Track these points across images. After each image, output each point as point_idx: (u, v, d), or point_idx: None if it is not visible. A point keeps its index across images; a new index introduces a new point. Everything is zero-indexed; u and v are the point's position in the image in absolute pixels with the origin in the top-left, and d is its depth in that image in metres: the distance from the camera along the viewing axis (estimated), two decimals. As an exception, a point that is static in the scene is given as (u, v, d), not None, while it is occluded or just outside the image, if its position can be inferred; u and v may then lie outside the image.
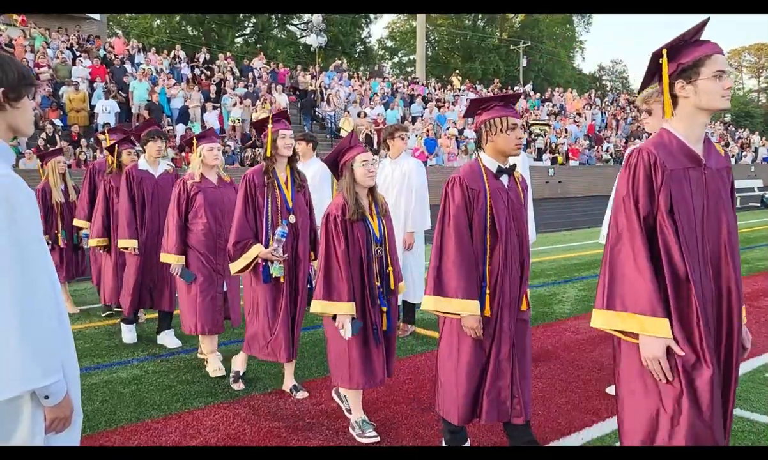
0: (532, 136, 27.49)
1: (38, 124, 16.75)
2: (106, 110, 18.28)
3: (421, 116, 25.99)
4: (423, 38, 42.08)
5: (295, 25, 48.45)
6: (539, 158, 26.80)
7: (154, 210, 5.89)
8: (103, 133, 7.70)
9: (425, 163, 21.97)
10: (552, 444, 3.80)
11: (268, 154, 4.54)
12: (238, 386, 4.76)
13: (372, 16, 50.73)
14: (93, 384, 4.86)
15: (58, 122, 17.32)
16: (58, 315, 1.97)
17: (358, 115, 23.58)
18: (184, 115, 19.78)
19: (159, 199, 5.90)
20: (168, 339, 5.92)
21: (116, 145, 6.46)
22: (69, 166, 8.55)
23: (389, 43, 56.97)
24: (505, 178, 3.38)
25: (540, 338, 5.97)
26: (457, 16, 53.75)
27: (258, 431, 4.01)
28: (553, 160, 27.15)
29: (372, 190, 3.96)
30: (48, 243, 6.92)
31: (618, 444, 2.70)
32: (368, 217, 3.87)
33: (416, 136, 23.42)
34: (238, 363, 4.87)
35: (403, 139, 6.08)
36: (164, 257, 5.15)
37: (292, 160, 4.67)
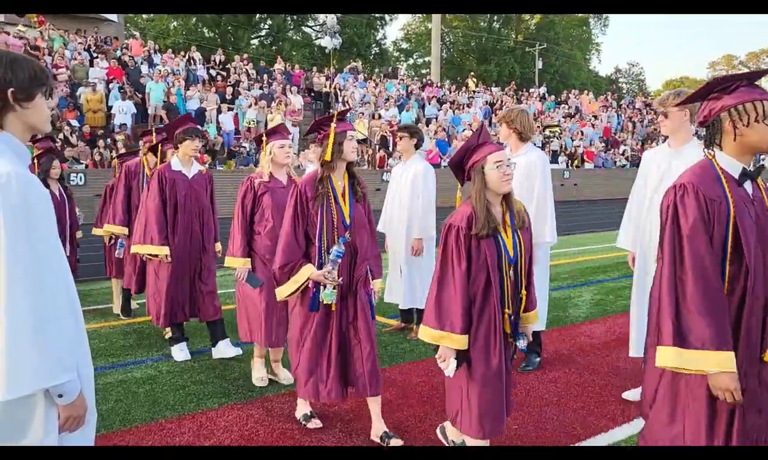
0: (546, 139, 27.35)
1: (55, 124, 16.92)
2: (123, 111, 18.43)
3: (436, 118, 25.95)
4: (438, 40, 42.03)
5: (311, 27, 48.58)
6: (554, 161, 26.65)
7: (188, 214, 5.46)
8: (140, 135, 7.43)
9: (438, 165, 21.96)
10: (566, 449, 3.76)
11: (328, 158, 3.82)
12: (314, 424, 4.10)
13: (387, 17, 50.77)
14: (108, 383, 4.88)
15: (75, 123, 17.47)
16: (72, 314, 1.98)
17: (373, 117, 23.59)
18: (200, 117, 19.89)
19: (192, 202, 5.48)
20: (228, 350, 5.52)
21: (160, 145, 6.19)
22: (86, 166, 8.60)
23: (404, 45, 56.96)
24: (748, 185, 2.52)
25: (555, 342, 5.92)
26: (472, 18, 53.67)
27: (271, 433, 4.00)
28: (569, 163, 27.00)
29: (507, 198, 3.22)
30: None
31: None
32: (501, 231, 3.15)
33: (430, 138, 23.39)
34: (301, 406, 4.21)
35: (401, 139, 6.08)
36: (229, 261, 4.80)
37: (351, 166, 4.00)
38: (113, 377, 5.02)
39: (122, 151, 9.77)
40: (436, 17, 41.12)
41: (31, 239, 1.84)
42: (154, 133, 6.95)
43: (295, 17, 46.85)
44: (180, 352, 5.52)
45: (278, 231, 4.35)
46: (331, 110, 24.03)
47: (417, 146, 6.10)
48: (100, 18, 25.90)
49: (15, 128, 1.98)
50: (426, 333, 3.15)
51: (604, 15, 58.02)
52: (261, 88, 23.09)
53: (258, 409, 4.38)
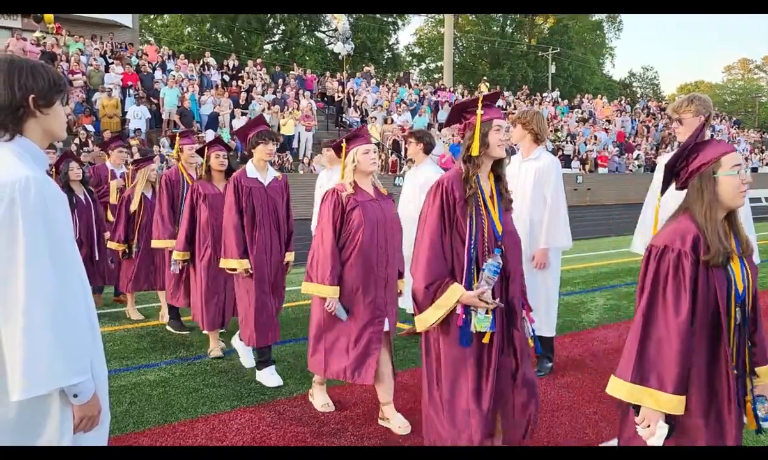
0: (558, 144, 27.27)
1: (71, 129, 17.08)
2: (138, 116, 18.58)
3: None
4: (451, 44, 42.03)
5: (323, 32, 48.77)
6: (567, 165, 26.56)
7: (265, 224, 5.01)
8: (172, 138, 7.21)
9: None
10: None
11: (475, 152, 3.07)
12: None
13: (399, 22, 50.86)
14: (122, 386, 4.92)
15: (90, 128, 17.64)
16: (87, 315, 2.01)
17: (385, 121, 23.63)
18: (214, 122, 20.02)
19: (269, 211, 5.03)
20: (271, 379, 5.00)
21: (206, 148, 5.78)
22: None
23: (417, 50, 57.03)
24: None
25: (567, 347, 5.89)
26: (485, 22, 53.65)
27: (283, 436, 4.01)
28: (582, 168, 26.90)
29: (733, 215, 2.48)
30: (126, 254, 6.90)
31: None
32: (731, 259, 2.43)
33: (443, 142, 23.37)
34: None
35: (410, 144, 6.10)
36: (316, 289, 4.06)
37: (499, 165, 3.23)
38: (127, 380, 5.06)
39: (136, 156, 9.77)
40: (449, 22, 41.12)
41: (50, 240, 1.88)
42: (196, 138, 6.77)
43: (308, 22, 47.07)
44: (271, 377, 5.00)
45: (371, 253, 4.01)
46: (344, 115, 24.11)
47: (426, 151, 6.09)
48: (116, 24, 26.13)
49: (34, 134, 2.02)
50: (622, 390, 2.38)
51: (618, 19, 57.80)
52: (274, 92, 23.20)
53: (270, 412, 4.40)
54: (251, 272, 4.94)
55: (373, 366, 4.01)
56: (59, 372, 1.85)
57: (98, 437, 2.10)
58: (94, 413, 2.02)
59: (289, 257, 5.28)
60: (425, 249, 3.06)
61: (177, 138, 6.46)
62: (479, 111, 3.07)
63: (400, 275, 4.28)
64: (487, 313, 2.98)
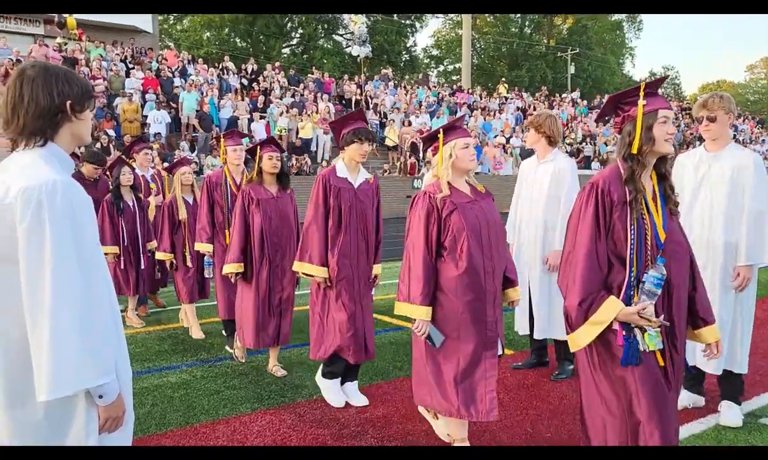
0: (576, 147, 27.09)
1: (93, 134, 17.31)
2: (158, 121, 18.78)
3: (466, 125, 25.89)
4: (469, 46, 41.95)
5: (341, 35, 48.93)
6: (587, 166, 26.37)
7: (352, 230, 4.48)
8: (217, 138, 7.22)
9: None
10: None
11: (635, 150, 2.74)
12: None
13: (417, 24, 50.86)
14: (144, 388, 4.96)
15: (111, 132, 17.85)
16: (112, 317, 2.03)
17: (403, 123, 23.64)
18: (232, 126, 20.16)
19: (357, 215, 4.51)
20: (359, 398, 4.60)
21: (258, 148, 5.26)
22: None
23: (435, 52, 56.98)
24: None
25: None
26: (503, 24, 53.46)
27: (303, 438, 4.02)
28: (601, 168, 26.68)
29: None
30: (173, 265, 6.59)
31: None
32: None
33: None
34: None
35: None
36: (406, 309, 3.48)
37: (663, 162, 2.83)
38: (149, 382, 5.10)
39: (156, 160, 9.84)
40: (467, 23, 41.05)
41: (76, 243, 1.91)
42: (222, 139, 6.14)
43: (325, 25, 47.26)
44: (336, 395, 4.58)
45: (477, 264, 3.42)
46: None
47: None
48: (136, 29, 26.44)
49: (64, 139, 2.07)
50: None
51: (638, 18, 57.30)
52: (293, 96, 23.32)
53: (290, 414, 4.41)
54: (329, 283, 4.48)
55: (493, 397, 3.48)
56: (85, 373, 1.88)
57: (123, 437, 2.13)
58: (119, 413, 2.04)
59: (377, 269, 4.68)
60: (580, 259, 2.70)
61: (221, 139, 6.13)
62: (641, 101, 2.71)
63: (512, 284, 3.75)
64: (656, 330, 2.66)
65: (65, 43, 20.89)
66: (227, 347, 5.94)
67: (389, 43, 47.43)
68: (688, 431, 4.02)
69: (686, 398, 4.36)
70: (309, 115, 21.92)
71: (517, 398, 4.63)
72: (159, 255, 6.70)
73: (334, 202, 4.46)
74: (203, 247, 5.91)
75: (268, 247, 5.12)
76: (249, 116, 20.71)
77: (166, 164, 12.88)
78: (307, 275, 4.53)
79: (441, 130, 3.59)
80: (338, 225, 4.47)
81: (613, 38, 57.73)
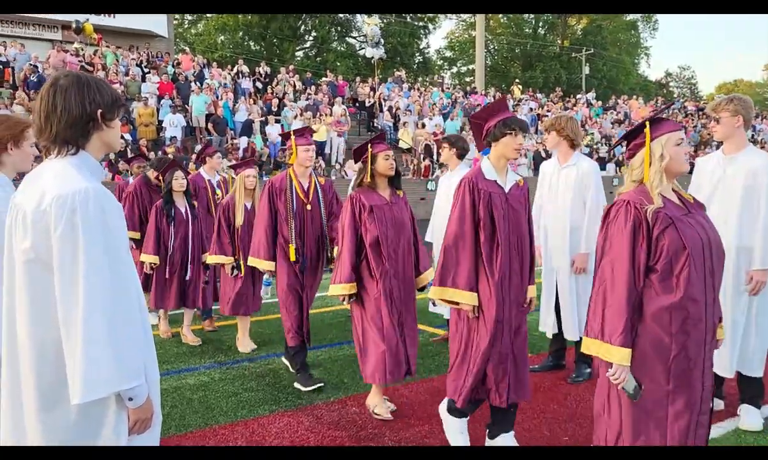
0: (594, 147, 26.99)
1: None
2: (173, 124, 18.94)
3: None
4: (482, 47, 41.89)
5: (354, 38, 49.08)
6: (602, 168, 26.28)
7: (504, 240, 3.62)
8: (286, 136, 6.09)
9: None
10: None
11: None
12: None
13: (430, 26, 50.89)
14: (163, 390, 4.97)
15: (128, 137, 18.04)
16: (141, 322, 2.08)
17: (417, 125, 23.65)
18: (247, 129, 20.29)
19: (512, 227, 3.67)
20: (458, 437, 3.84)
21: (369, 147, 4.43)
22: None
23: (448, 54, 56.95)
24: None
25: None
26: (517, 25, 53.33)
27: (321, 440, 4.06)
28: (617, 170, 26.57)
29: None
30: (233, 271, 6.08)
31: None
32: None
33: (476, 146, 23.33)
34: None
35: (443, 149, 6.06)
36: (598, 349, 2.73)
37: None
38: (168, 384, 5.16)
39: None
40: (480, 24, 41.00)
41: (108, 248, 1.96)
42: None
43: (338, 28, 47.43)
44: (457, 437, 3.83)
45: (712, 288, 2.77)
46: (375, 120, 24.18)
47: (460, 156, 6.07)
48: (152, 34, 26.72)
49: (94, 147, 2.13)
50: None
51: (653, 18, 56.92)
52: (306, 99, 23.42)
53: (308, 416, 4.45)
54: (477, 312, 3.65)
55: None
56: (116, 377, 1.93)
57: (151, 438, 2.17)
58: (147, 415, 2.09)
59: (532, 291, 3.84)
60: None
61: (292, 137, 5.27)
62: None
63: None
64: None
65: (82, 48, 21.14)
66: (300, 385, 5.01)
67: (402, 45, 47.48)
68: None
69: None
70: (322, 118, 21.99)
71: (533, 402, 4.64)
72: (210, 258, 6.19)
73: (485, 211, 3.61)
74: (262, 264, 5.20)
75: (387, 260, 4.36)
76: (263, 119, 20.83)
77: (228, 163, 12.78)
78: (449, 302, 3.72)
79: (647, 123, 2.86)
80: (491, 239, 3.63)
81: (627, 38, 57.37)
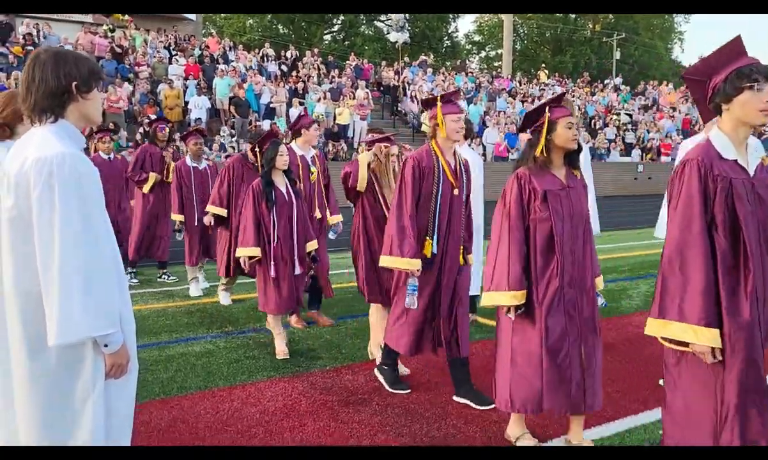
0: (621, 131, 26.72)
1: (137, 119, 17.91)
2: (198, 106, 19.27)
3: (504, 111, 25.79)
4: (510, 32, 41.48)
5: (382, 22, 48.99)
6: (627, 154, 26.02)
7: (755, 248, 2.59)
8: (426, 102, 4.50)
9: (505, 159, 22.07)
10: (595, 429, 3.85)
11: None
12: None
13: (459, 10, 50.59)
14: (169, 356, 5.28)
15: (154, 117, 18.44)
16: (117, 275, 2.29)
17: (441, 110, 23.64)
18: (271, 111, 20.54)
19: (762, 224, 2.66)
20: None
21: (547, 109, 3.44)
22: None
23: (476, 38, 56.51)
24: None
25: (603, 332, 5.92)
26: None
27: (312, 403, 4.28)
28: (642, 156, 26.29)
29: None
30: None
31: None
32: None
33: (499, 131, 23.35)
34: None
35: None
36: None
37: None
38: (175, 351, 5.43)
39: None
40: (509, 9, 40.60)
41: (82, 208, 2.16)
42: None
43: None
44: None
45: None
46: (399, 105, 24.25)
47: (465, 136, 6.17)
48: (180, 17, 27.07)
49: (73, 117, 2.33)
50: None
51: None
52: (330, 82, 23.59)
53: (303, 383, 4.67)
54: (717, 357, 2.69)
55: None
56: (90, 324, 2.14)
57: (127, 384, 2.39)
58: (122, 361, 2.30)
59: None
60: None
61: (438, 103, 4.26)
62: None
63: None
64: None
65: (112, 30, 21.57)
66: (385, 382, 4.58)
67: (430, 29, 47.27)
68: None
69: None
70: (345, 101, 22.15)
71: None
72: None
73: (724, 207, 2.58)
74: (411, 263, 4.08)
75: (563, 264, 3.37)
76: (287, 102, 21.06)
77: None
78: (675, 342, 2.73)
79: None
80: (733, 249, 2.59)
81: (661, 22, 56.25)
